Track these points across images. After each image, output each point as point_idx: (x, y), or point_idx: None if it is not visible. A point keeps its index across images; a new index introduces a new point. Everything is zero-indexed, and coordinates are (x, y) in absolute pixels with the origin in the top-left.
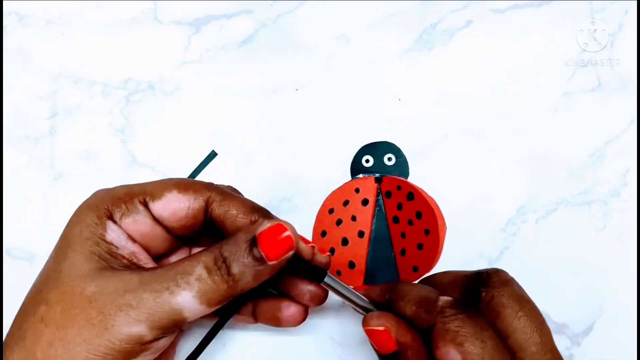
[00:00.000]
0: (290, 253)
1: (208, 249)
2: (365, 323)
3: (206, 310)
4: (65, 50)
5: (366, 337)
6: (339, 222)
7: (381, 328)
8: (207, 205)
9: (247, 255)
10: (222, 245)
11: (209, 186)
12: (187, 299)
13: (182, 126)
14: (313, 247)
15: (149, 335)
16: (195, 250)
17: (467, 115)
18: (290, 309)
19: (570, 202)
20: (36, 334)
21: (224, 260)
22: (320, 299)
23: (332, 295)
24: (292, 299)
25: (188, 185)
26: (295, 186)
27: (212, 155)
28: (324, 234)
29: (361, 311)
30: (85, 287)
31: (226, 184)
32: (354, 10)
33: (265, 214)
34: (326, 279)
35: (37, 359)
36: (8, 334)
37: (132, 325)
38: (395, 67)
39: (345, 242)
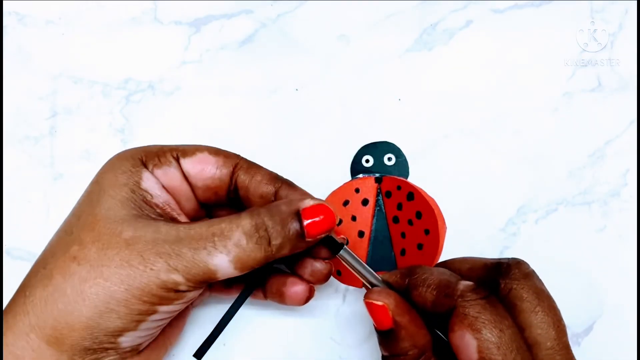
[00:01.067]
0: (326, 233)
1: (247, 213)
2: (366, 296)
3: (237, 273)
4: (65, 50)
5: (366, 338)
6: (338, 222)
7: (380, 303)
8: (234, 171)
9: (291, 229)
10: (262, 212)
11: (238, 155)
12: (222, 262)
13: (182, 126)
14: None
15: (183, 286)
16: None
17: (467, 115)
18: (295, 286)
19: (570, 202)
20: (66, 272)
21: (266, 230)
22: (321, 277)
23: (332, 296)
24: (300, 277)
25: (219, 150)
26: None
27: None
28: None
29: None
30: (122, 230)
31: None
32: (354, 10)
33: (289, 183)
34: (342, 252)
35: (67, 294)
36: (27, 277)
37: (170, 272)
38: (395, 67)
39: None
